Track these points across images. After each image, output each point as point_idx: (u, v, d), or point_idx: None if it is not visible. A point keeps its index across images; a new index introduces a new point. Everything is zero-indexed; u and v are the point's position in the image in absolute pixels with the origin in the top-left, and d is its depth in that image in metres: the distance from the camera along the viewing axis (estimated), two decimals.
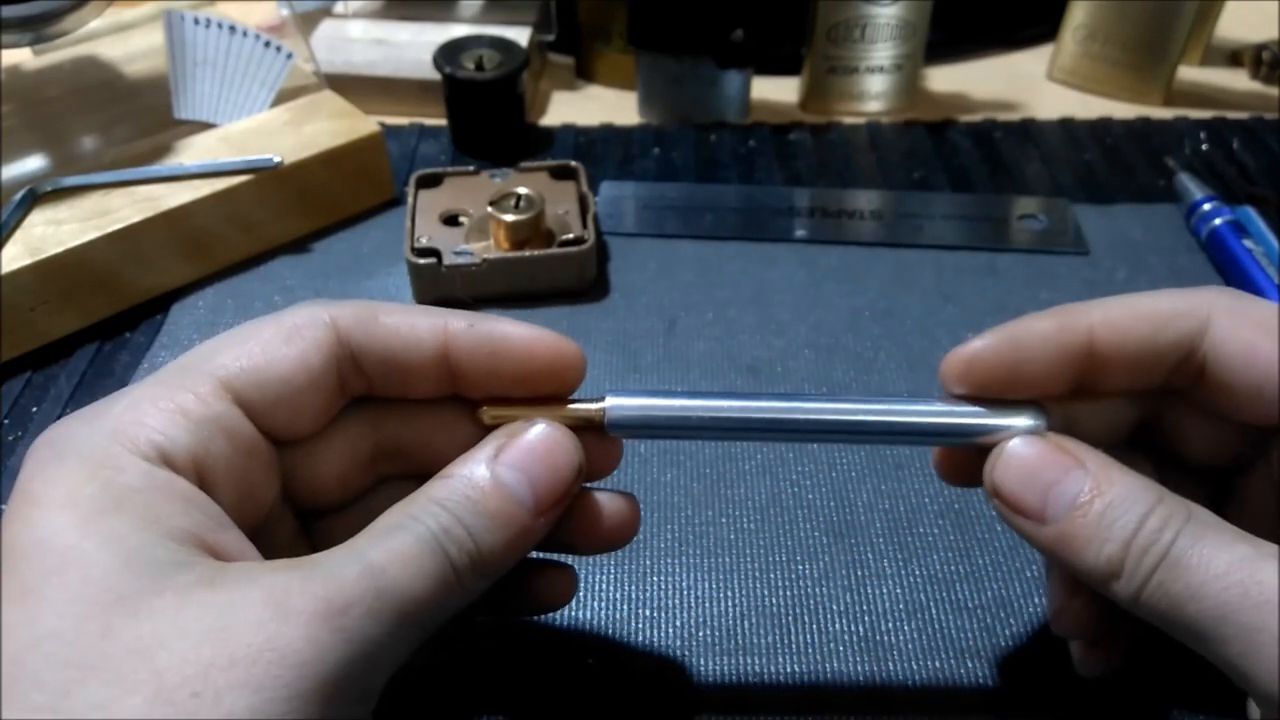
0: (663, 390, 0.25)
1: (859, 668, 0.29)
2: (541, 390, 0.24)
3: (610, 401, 0.24)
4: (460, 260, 0.41)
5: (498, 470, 0.22)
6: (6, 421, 0.37)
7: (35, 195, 0.40)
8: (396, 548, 0.20)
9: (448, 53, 0.49)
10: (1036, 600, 0.31)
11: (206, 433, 0.21)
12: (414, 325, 0.23)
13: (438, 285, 0.41)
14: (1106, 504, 0.21)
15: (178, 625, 0.17)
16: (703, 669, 0.29)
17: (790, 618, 0.31)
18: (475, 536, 0.21)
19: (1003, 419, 0.24)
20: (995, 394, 0.24)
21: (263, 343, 0.22)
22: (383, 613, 0.19)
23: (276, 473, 0.23)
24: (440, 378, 0.24)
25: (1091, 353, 0.24)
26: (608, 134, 0.53)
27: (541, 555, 0.27)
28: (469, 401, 0.25)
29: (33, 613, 0.17)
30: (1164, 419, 0.26)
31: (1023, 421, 0.24)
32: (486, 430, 0.24)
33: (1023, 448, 0.23)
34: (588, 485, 0.26)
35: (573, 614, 0.31)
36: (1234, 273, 0.42)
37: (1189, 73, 0.57)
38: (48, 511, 0.19)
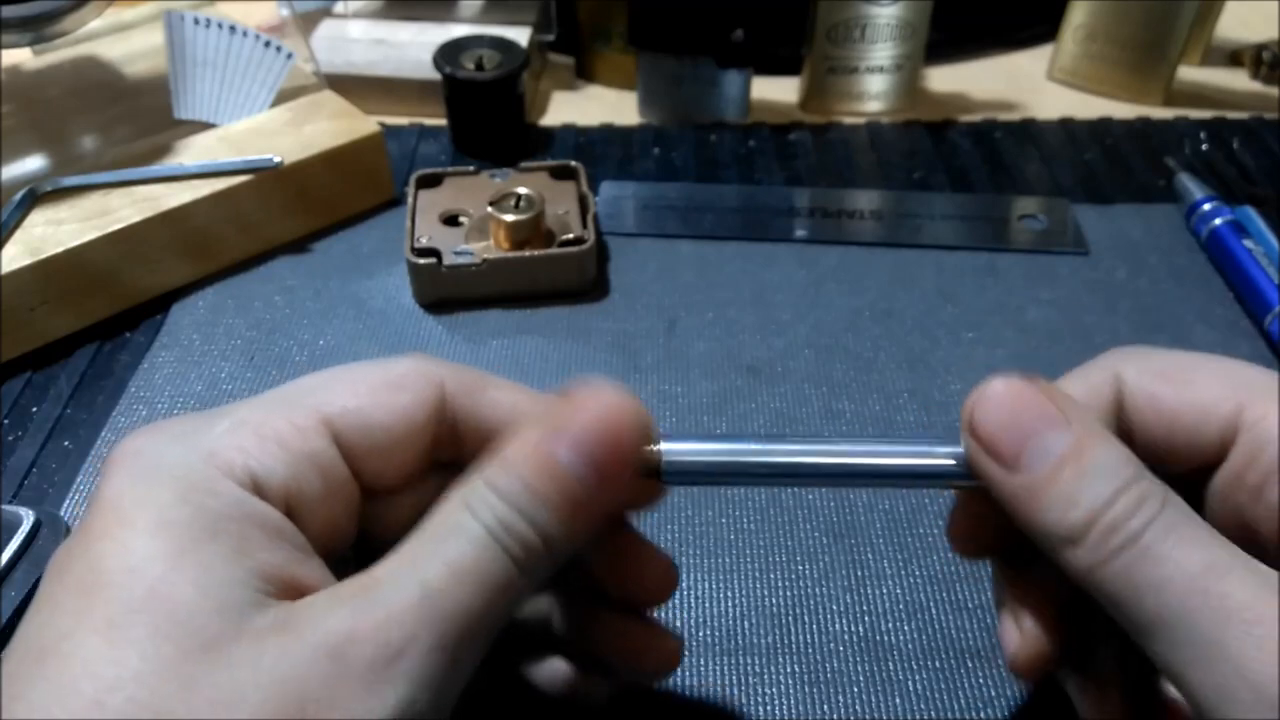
0: (715, 435, 0.23)
1: (859, 668, 0.29)
2: None
3: (665, 446, 0.23)
4: (460, 260, 0.41)
5: (555, 450, 0.20)
6: (6, 421, 0.37)
7: (35, 195, 0.40)
8: (454, 559, 0.19)
9: (448, 53, 0.49)
10: None
11: (302, 467, 0.20)
12: (515, 405, 0.23)
13: (438, 285, 0.41)
14: (1083, 467, 0.20)
15: (254, 676, 0.17)
16: (703, 669, 0.29)
17: (790, 618, 0.31)
18: (536, 525, 0.20)
19: None
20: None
21: (370, 386, 0.22)
22: (444, 640, 0.18)
23: (357, 519, 0.23)
24: None
25: None
26: (608, 134, 0.53)
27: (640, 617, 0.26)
28: None
29: (118, 651, 0.17)
30: None
31: None
32: None
33: (1010, 388, 0.21)
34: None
35: None
36: (1234, 273, 0.42)
37: (1189, 73, 0.57)
38: (138, 535, 0.18)
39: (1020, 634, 0.24)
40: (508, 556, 0.19)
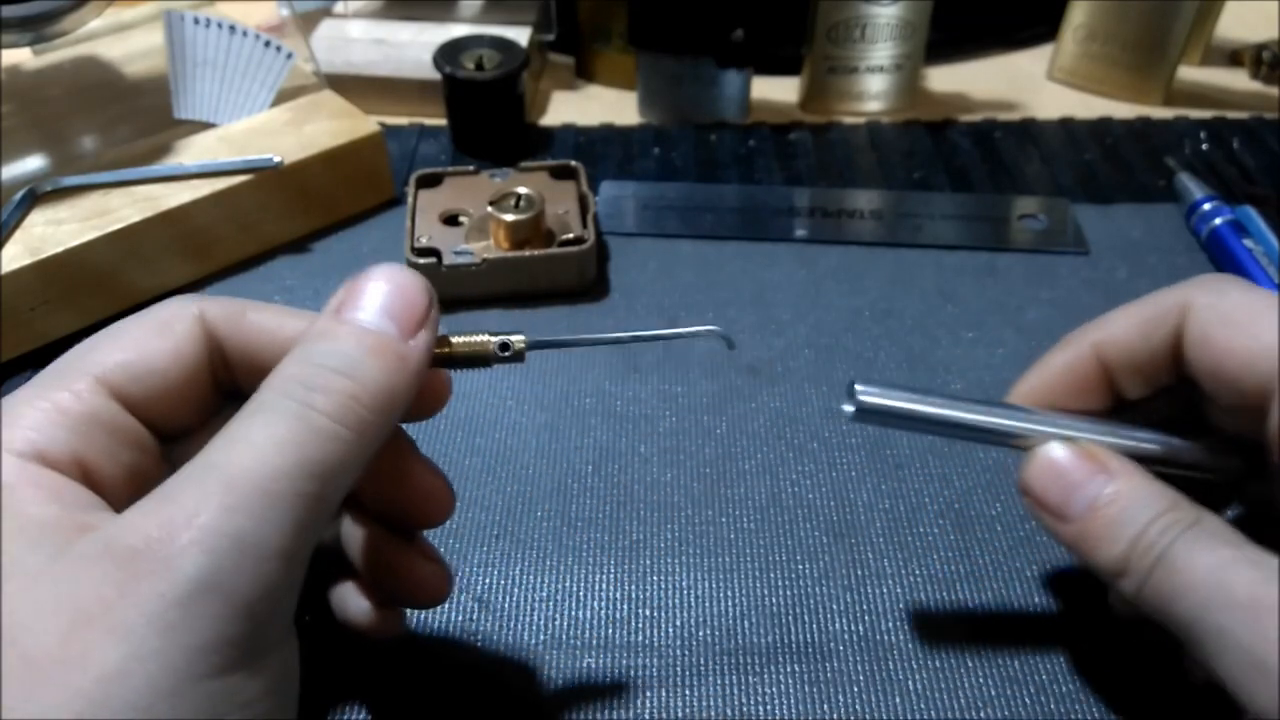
0: (906, 386, 0.26)
1: (859, 668, 0.29)
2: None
3: (860, 388, 0.25)
4: (460, 260, 0.41)
5: (345, 315, 0.21)
6: None
7: (35, 195, 0.40)
8: (243, 432, 0.19)
9: (448, 53, 0.49)
10: (1037, 600, 0.31)
11: (85, 428, 0.21)
12: (280, 325, 0.24)
13: (437, 285, 0.41)
14: (1121, 507, 0.23)
15: (32, 604, 0.17)
16: (703, 669, 0.29)
17: (790, 618, 0.31)
18: (354, 375, 0.20)
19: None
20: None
21: (136, 338, 0.23)
22: (241, 503, 0.18)
23: (167, 466, 0.23)
24: None
25: (1105, 367, 0.26)
26: (608, 134, 0.53)
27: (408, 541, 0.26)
28: None
29: None
30: (1199, 410, 0.26)
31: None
32: None
33: (1053, 451, 0.24)
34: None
35: (573, 613, 0.31)
36: (1234, 272, 0.42)
37: (1189, 73, 0.57)
38: None
39: None
40: (313, 413, 0.19)
